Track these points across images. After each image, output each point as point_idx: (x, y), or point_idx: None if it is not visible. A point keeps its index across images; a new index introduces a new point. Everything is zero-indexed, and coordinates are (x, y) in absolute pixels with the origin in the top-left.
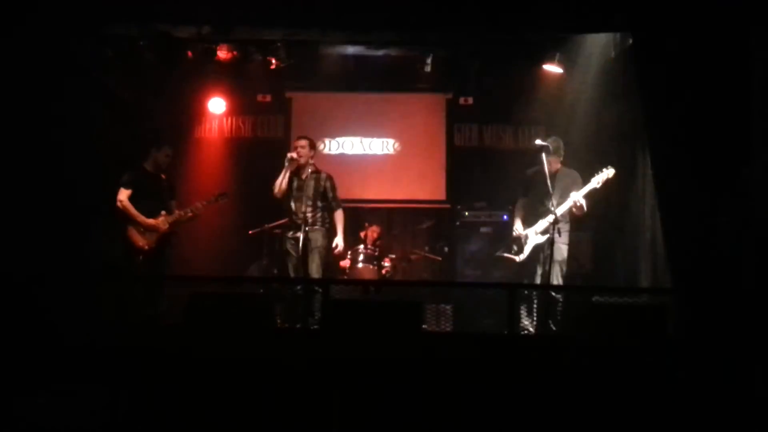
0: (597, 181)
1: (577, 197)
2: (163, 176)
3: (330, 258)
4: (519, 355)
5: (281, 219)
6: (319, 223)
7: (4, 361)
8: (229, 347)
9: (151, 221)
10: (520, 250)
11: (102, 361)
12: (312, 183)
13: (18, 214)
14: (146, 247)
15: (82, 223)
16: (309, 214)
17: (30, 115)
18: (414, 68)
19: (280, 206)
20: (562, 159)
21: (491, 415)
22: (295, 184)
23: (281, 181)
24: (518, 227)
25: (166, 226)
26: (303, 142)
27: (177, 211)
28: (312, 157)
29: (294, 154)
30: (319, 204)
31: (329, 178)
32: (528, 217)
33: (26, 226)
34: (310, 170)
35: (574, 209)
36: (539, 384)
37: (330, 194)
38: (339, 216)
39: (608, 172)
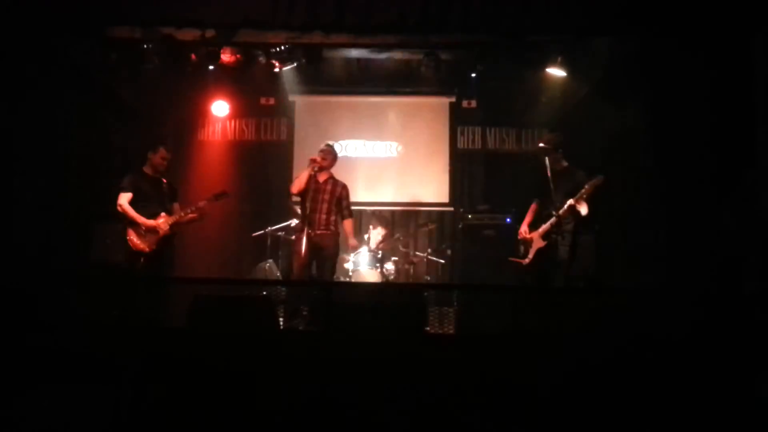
0: (585, 189)
1: (571, 201)
2: (164, 180)
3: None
4: (522, 357)
5: (284, 222)
6: (332, 228)
7: (6, 363)
8: (231, 349)
9: (151, 222)
10: (526, 253)
11: (105, 364)
12: (329, 188)
13: (21, 217)
14: (147, 249)
15: (84, 226)
16: (323, 217)
17: (32, 118)
18: (417, 71)
19: (283, 209)
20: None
21: (494, 416)
22: (312, 186)
23: (302, 180)
24: (523, 230)
25: (167, 227)
26: (328, 149)
27: (178, 213)
28: (332, 166)
29: (318, 158)
30: (334, 209)
31: (345, 187)
32: (537, 220)
33: (29, 229)
34: (327, 176)
35: (571, 212)
36: (542, 386)
37: (344, 202)
38: (350, 222)
39: (596, 181)
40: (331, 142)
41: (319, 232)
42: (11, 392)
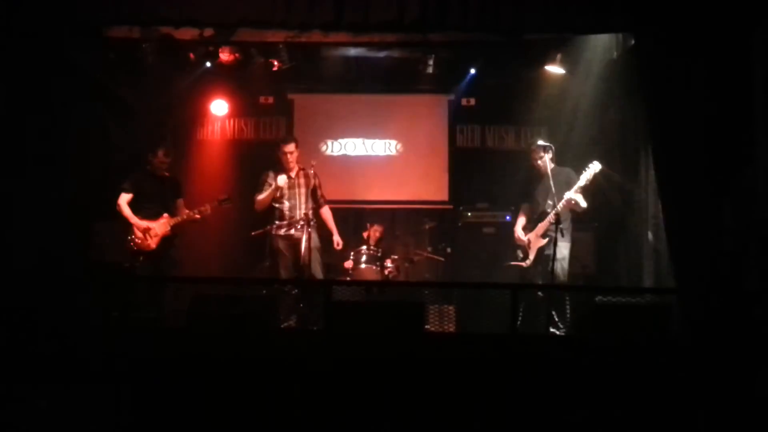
0: (585, 178)
1: (570, 195)
2: (167, 174)
3: (328, 258)
4: (522, 355)
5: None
6: (313, 221)
7: (5, 363)
8: (231, 349)
9: (143, 224)
10: (525, 256)
11: (105, 364)
12: (303, 181)
13: (20, 217)
14: (148, 249)
15: (84, 225)
16: (304, 213)
17: (31, 118)
18: (416, 69)
19: (270, 210)
20: (552, 158)
21: (494, 415)
22: (286, 185)
23: (265, 199)
24: (519, 234)
25: (168, 228)
26: (291, 147)
27: (183, 213)
28: (298, 156)
29: (284, 184)
30: (311, 202)
31: (316, 175)
32: (529, 221)
33: (28, 229)
34: (297, 169)
35: (570, 207)
36: (543, 384)
37: (318, 191)
38: (329, 213)
39: (594, 168)
40: (289, 141)
41: (300, 227)
42: (11, 394)
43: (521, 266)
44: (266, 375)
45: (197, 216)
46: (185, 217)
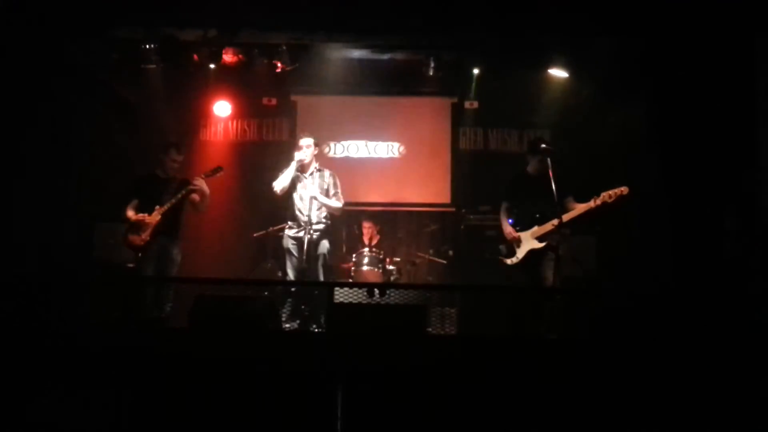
0: (608, 195)
1: (605, 196)
2: (177, 176)
3: (333, 262)
4: (523, 358)
5: (285, 222)
6: (323, 224)
7: (10, 363)
8: (233, 350)
9: (138, 216)
10: (511, 253)
11: (107, 364)
12: (317, 181)
13: (24, 218)
14: (141, 243)
15: (88, 226)
16: (313, 214)
17: (35, 119)
18: (419, 72)
19: (284, 208)
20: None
21: (496, 417)
22: (299, 182)
23: (287, 179)
24: (508, 230)
25: (158, 216)
26: (306, 141)
27: (174, 197)
28: (315, 155)
29: (303, 157)
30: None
31: (333, 175)
32: (519, 221)
33: (32, 230)
34: (313, 168)
35: (600, 203)
36: (543, 387)
37: (333, 191)
38: (337, 209)
39: (619, 189)
40: (308, 136)
41: (312, 231)
42: (12, 394)
43: (505, 263)
44: (268, 376)
45: (195, 195)
46: (174, 201)
